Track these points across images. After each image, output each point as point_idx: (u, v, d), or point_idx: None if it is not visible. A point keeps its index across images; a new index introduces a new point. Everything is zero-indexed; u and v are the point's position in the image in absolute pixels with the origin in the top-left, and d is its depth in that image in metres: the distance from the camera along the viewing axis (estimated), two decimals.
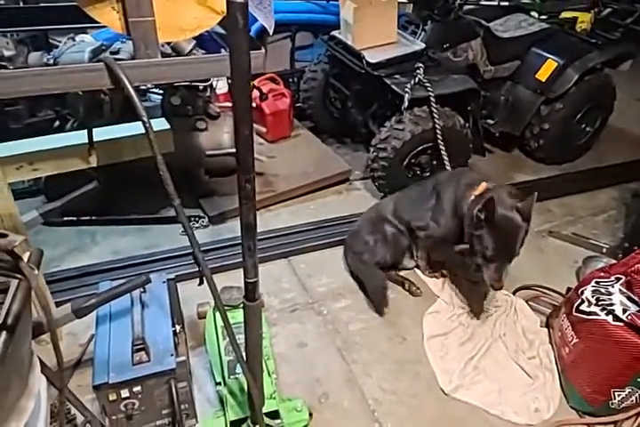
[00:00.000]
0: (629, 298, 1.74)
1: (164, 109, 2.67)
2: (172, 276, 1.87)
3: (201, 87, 2.57)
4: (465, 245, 2.04)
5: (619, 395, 1.77)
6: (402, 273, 2.50)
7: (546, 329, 2.20)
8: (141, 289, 1.63)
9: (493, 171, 3.41)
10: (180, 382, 1.55)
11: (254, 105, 2.96)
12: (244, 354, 1.33)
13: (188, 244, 2.44)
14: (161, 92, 2.77)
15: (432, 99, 2.61)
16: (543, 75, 3.06)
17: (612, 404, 1.81)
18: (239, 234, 2.54)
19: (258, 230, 2.62)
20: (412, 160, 2.82)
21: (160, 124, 2.00)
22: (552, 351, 2.09)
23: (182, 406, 1.60)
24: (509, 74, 3.18)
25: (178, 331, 1.64)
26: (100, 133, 1.86)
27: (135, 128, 1.82)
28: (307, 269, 2.52)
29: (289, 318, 2.24)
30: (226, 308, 1.90)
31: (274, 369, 1.75)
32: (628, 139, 3.85)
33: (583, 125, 3.41)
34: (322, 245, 2.64)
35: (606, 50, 3.13)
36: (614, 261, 2.35)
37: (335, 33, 3.00)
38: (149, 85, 2.56)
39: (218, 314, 1.89)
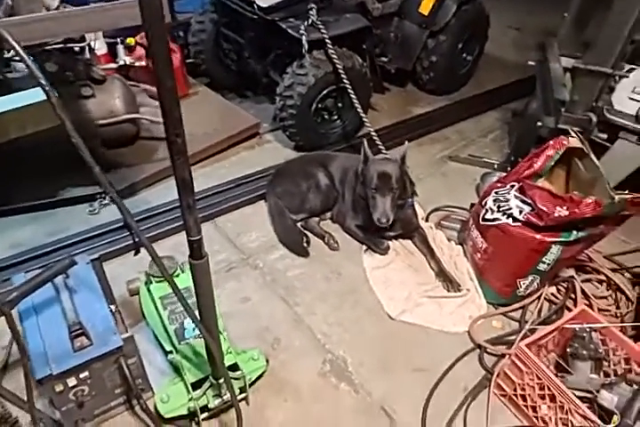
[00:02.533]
0: (523, 201, 1.94)
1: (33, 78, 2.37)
2: (95, 256, 1.75)
3: (77, 49, 2.27)
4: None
5: (523, 283, 2.04)
6: (321, 224, 2.53)
7: (459, 246, 2.41)
8: (64, 275, 1.49)
9: (393, 107, 3.52)
10: (130, 359, 1.50)
11: (142, 64, 2.71)
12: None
13: (97, 224, 2.33)
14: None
15: (328, 40, 2.56)
16: (425, 8, 3.12)
17: (520, 292, 2.08)
18: (155, 204, 2.46)
19: (172, 198, 2.53)
20: (319, 105, 2.79)
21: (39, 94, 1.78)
22: (467, 262, 2.31)
23: (137, 382, 1.55)
24: (396, 10, 3.19)
25: (114, 310, 1.55)
26: None
27: (14, 100, 1.62)
28: (234, 228, 2.48)
29: (227, 278, 2.23)
30: (158, 278, 1.86)
31: (224, 327, 1.75)
32: (503, 64, 4.13)
33: (464, 55, 3.58)
34: (244, 202, 2.60)
35: None
36: (505, 174, 2.66)
37: None
38: (11, 53, 2.24)
39: (152, 287, 1.85)
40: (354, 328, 2.06)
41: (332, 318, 2.09)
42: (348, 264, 2.34)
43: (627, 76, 2.15)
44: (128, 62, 2.48)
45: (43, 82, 0.81)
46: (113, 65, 2.51)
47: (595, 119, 2.13)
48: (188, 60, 3.32)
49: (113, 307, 1.53)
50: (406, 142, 2.28)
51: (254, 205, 2.64)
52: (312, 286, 2.23)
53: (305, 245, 2.36)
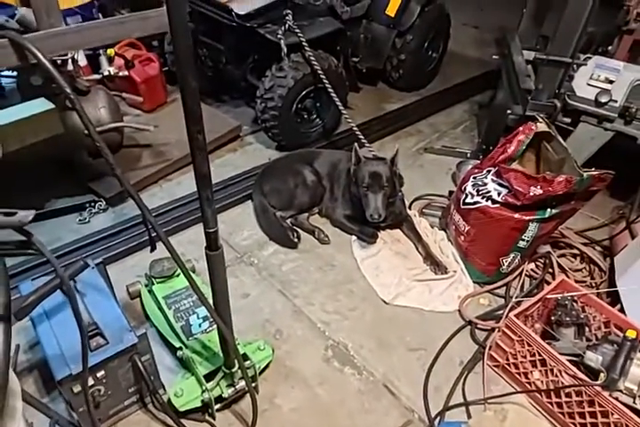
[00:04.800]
0: (500, 184, 2.04)
1: (22, 92, 2.34)
2: (99, 260, 1.76)
3: (59, 62, 2.27)
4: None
5: (506, 261, 2.13)
6: (311, 219, 2.56)
7: (442, 231, 2.49)
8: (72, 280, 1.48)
9: (367, 105, 3.59)
10: (144, 356, 1.50)
11: (125, 74, 2.69)
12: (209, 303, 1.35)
13: (90, 232, 2.32)
14: (10, 73, 2.41)
15: (305, 43, 2.60)
16: (392, 10, 3.20)
17: (503, 269, 2.17)
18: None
19: (163, 202, 2.52)
20: (299, 105, 2.83)
21: (42, 104, 1.77)
22: (452, 246, 2.39)
23: (151, 378, 1.55)
24: (364, 13, 3.26)
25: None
26: None
27: (15, 113, 1.61)
28: (225, 228, 2.48)
29: None
30: (160, 279, 1.89)
31: None
32: (465, 60, 4.27)
33: (430, 52, 3.69)
34: (232, 203, 2.60)
35: None
36: (478, 161, 2.76)
37: None
38: None
39: (155, 288, 1.87)
40: (351, 315, 2.10)
41: (330, 307, 2.13)
42: (339, 256, 2.39)
43: (585, 64, 2.27)
44: (112, 73, 2.46)
45: (68, 90, 0.82)
46: (97, 76, 2.47)
47: (559, 105, 2.25)
48: (165, 69, 3.31)
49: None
50: (397, 145, 2.39)
51: (243, 204, 2.66)
52: (307, 278, 2.26)
53: (292, 237, 2.39)
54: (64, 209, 2.45)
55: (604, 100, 2.22)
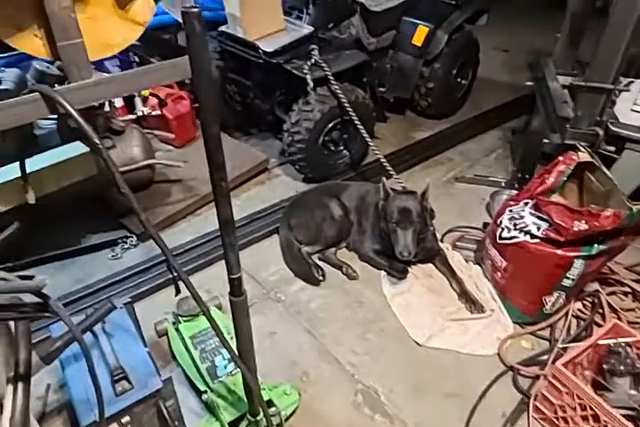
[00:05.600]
0: (539, 217, 1.94)
1: (61, 133, 2.43)
2: (128, 299, 1.76)
3: (96, 104, 2.38)
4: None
5: (549, 300, 2.00)
6: (338, 253, 2.51)
7: (477, 265, 2.38)
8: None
9: (395, 134, 3.57)
10: (168, 401, 1.47)
11: (157, 113, 2.79)
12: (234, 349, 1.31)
13: (121, 268, 2.34)
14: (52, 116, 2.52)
15: (331, 77, 2.63)
16: (418, 40, 3.21)
17: (546, 309, 2.04)
18: (173, 246, 2.47)
19: (191, 237, 2.53)
20: (325, 138, 2.84)
21: (76, 148, 1.82)
22: (488, 282, 2.26)
23: (175, 424, 1.51)
24: (390, 43, 3.29)
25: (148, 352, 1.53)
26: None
27: (50, 157, 1.66)
28: (252, 263, 2.46)
29: (251, 313, 2.16)
30: (187, 317, 1.87)
31: None
32: (496, 85, 4.21)
33: (459, 80, 3.66)
34: (259, 237, 2.59)
35: (465, 9, 3.35)
36: (515, 192, 2.64)
37: (223, 28, 2.87)
38: None
39: (181, 326, 1.85)
40: (382, 357, 2.01)
41: (359, 347, 2.05)
42: (368, 292, 2.32)
43: (628, 91, 2.16)
44: (145, 113, 2.60)
45: (96, 140, 0.85)
46: (132, 116, 2.61)
47: (601, 133, 2.13)
48: (195, 105, 3.40)
49: (146, 349, 1.52)
50: (428, 179, 2.38)
51: (270, 238, 2.64)
52: (335, 315, 2.20)
53: (316, 274, 2.34)
54: (97, 245, 2.51)
55: None
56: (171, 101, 3.09)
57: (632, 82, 2.22)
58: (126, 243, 2.53)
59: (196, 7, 0.80)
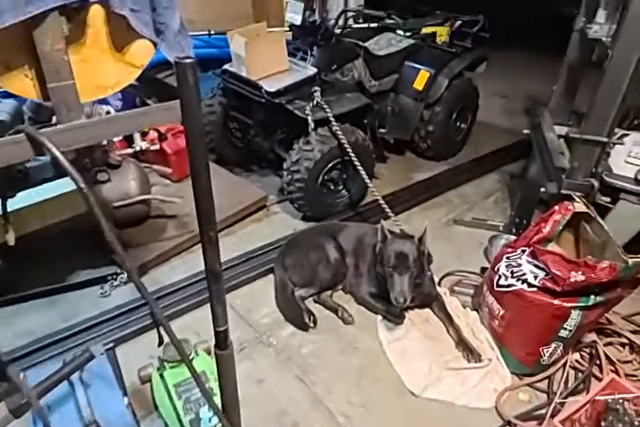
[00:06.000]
0: (536, 266, 1.94)
1: (56, 167, 2.45)
2: (110, 345, 1.70)
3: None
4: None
5: (547, 351, 1.96)
6: (334, 295, 2.47)
7: (474, 312, 2.34)
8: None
9: (395, 175, 3.61)
10: None
11: (156, 148, 2.81)
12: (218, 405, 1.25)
13: (110, 306, 2.29)
14: None
15: (332, 118, 2.70)
16: (419, 84, 3.33)
17: (544, 360, 1.99)
18: (165, 283, 2.39)
19: (183, 276, 2.48)
20: (325, 177, 2.88)
21: (68, 184, 1.82)
22: (485, 330, 2.22)
23: None
24: (391, 86, 3.40)
25: (127, 403, 1.49)
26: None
27: (37, 194, 1.65)
28: (244, 304, 2.41)
29: (240, 358, 2.06)
30: (172, 363, 1.78)
31: None
32: (495, 129, 4.31)
33: (459, 123, 3.77)
34: (253, 277, 2.53)
35: (465, 56, 3.51)
36: (513, 237, 2.64)
37: (227, 66, 2.98)
38: None
39: (166, 373, 1.76)
40: (376, 407, 1.95)
41: (353, 396, 1.99)
42: (363, 337, 2.27)
43: (622, 144, 2.20)
44: (144, 147, 2.61)
45: (82, 185, 0.82)
46: (130, 150, 2.62)
47: (597, 184, 2.16)
48: None
49: (126, 400, 1.45)
50: (425, 222, 2.37)
51: (265, 278, 2.59)
52: (328, 362, 2.14)
53: (307, 320, 2.29)
54: (86, 282, 2.45)
55: None
56: (171, 135, 3.11)
57: (626, 134, 2.28)
58: (116, 280, 2.48)
59: (190, 58, 0.80)
